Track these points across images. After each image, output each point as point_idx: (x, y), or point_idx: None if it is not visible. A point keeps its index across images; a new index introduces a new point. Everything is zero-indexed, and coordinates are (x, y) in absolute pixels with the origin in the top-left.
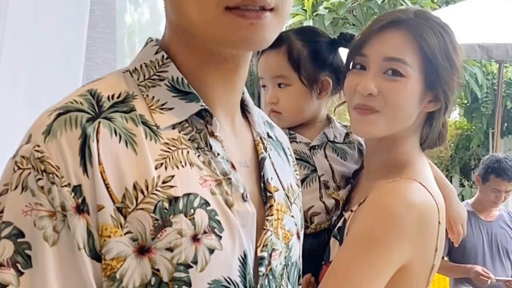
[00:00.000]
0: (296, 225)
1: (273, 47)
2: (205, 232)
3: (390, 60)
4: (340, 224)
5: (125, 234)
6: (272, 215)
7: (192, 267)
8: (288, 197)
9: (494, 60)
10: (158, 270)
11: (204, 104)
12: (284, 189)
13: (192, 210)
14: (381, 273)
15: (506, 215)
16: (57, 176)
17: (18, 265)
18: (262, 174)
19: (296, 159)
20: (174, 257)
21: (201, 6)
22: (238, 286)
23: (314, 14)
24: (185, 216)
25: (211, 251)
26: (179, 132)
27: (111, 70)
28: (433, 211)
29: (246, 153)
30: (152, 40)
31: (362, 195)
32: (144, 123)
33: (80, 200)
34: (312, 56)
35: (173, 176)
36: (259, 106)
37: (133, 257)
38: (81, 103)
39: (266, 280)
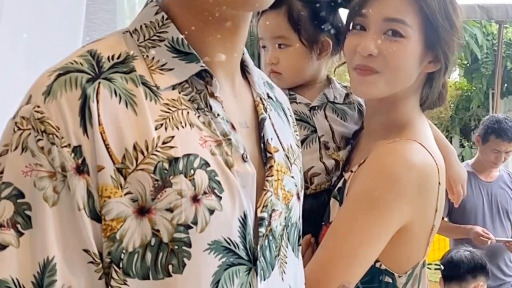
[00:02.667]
0: (296, 185)
1: (273, 7)
2: (205, 193)
3: (390, 20)
4: (340, 184)
5: (125, 194)
6: (272, 175)
7: (192, 227)
8: (288, 158)
9: (494, 20)
10: (158, 230)
11: (204, 64)
12: (284, 150)
13: (192, 171)
14: (381, 233)
15: (506, 176)
16: (57, 136)
17: (18, 225)
18: (262, 134)
19: (296, 119)
20: (174, 217)
21: None
22: (238, 247)
23: None
24: (185, 176)
25: (211, 211)
26: (179, 92)
27: (111, 31)
28: (433, 171)
29: (246, 114)
30: (152, 1)
31: (362, 155)
32: (144, 83)
33: (80, 161)
34: (312, 17)
35: (173, 137)
36: (259, 67)
37: (133, 218)
38: (81, 63)
39: (266, 241)
